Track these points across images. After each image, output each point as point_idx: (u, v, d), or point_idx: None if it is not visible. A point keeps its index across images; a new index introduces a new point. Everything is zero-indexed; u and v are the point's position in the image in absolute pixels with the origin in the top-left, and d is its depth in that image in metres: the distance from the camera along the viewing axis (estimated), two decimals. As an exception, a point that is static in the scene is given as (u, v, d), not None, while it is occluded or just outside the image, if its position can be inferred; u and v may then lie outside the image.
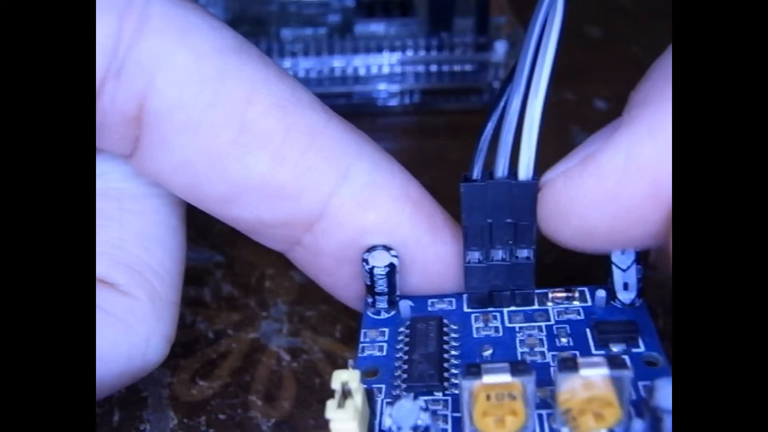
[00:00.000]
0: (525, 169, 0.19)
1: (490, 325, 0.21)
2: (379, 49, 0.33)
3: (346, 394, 0.16)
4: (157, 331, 0.21)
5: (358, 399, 0.16)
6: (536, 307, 0.21)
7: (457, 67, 0.34)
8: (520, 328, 0.21)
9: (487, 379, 0.16)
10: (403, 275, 0.21)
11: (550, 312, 0.21)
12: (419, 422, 0.16)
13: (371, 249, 0.21)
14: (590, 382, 0.16)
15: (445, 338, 0.20)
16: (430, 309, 0.22)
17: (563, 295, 0.21)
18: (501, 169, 0.19)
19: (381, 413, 0.18)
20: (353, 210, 0.20)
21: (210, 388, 0.23)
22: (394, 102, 0.34)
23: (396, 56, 0.33)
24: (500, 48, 0.33)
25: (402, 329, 0.21)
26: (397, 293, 0.21)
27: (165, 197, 0.22)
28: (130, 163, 0.20)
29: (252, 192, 0.20)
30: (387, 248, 0.21)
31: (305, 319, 0.25)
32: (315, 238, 0.21)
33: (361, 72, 0.33)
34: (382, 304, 0.21)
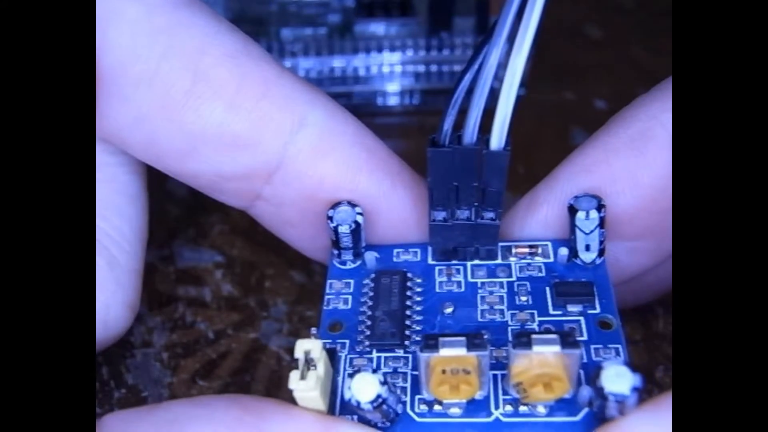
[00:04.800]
0: (498, 137, 0.18)
1: (453, 279, 0.21)
2: (379, 49, 0.33)
3: (309, 363, 0.17)
4: (117, 297, 0.21)
5: (320, 368, 0.17)
6: (499, 261, 0.21)
7: (457, 67, 0.34)
8: (482, 284, 0.21)
9: (444, 352, 0.16)
10: (368, 225, 0.21)
11: (513, 267, 0.21)
12: (378, 395, 0.16)
13: (336, 206, 0.21)
14: (542, 358, 0.16)
15: (408, 293, 0.20)
16: (395, 260, 0.22)
17: (526, 250, 0.21)
18: (470, 133, 0.18)
19: (344, 370, 0.18)
20: (310, 157, 0.21)
21: (210, 388, 0.23)
22: (394, 102, 0.34)
23: (396, 56, 0.33)
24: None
25: (367, 281, 0.21)
26: (363, 245, 0.21)
27: (123, 166, 0.22)
28: None
29: (209, 143, 0.20)
30: (352, 204, 0.21)
31: (305, 319, 0.25)
32: (275, 189, 0.21)
33: (361, 72, 0.33)
34: (347, 256, 0.21)
